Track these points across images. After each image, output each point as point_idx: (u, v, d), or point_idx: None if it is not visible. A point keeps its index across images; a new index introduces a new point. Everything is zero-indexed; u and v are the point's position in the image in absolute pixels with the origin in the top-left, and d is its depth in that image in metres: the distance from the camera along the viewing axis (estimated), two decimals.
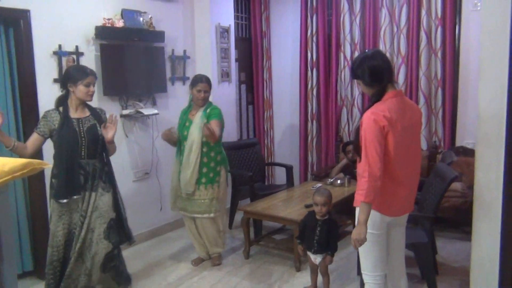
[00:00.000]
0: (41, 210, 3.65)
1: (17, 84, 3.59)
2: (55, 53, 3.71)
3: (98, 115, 3.18)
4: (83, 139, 3.04)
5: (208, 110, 3.72)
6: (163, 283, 3.67)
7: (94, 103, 3.65)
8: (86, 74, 3.06)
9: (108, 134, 3.09)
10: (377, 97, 2.39)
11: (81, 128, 3.06)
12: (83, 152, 3.05)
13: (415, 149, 2.51)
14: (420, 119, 2.55)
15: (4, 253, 1.37)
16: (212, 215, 3.76)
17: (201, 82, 3.70)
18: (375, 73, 2.37)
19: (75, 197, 3.03)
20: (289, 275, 3.76)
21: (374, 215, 2.38)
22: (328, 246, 3.25)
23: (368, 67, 2.38)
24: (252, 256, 4.15)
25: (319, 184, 4.75)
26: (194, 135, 3.65)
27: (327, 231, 3.24)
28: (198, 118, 3.69)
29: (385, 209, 2.42)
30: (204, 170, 3.70)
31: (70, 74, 3.07)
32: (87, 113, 3.15)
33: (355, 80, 2.70)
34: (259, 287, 3.57)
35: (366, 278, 2.55)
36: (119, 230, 3.24)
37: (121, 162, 4.18)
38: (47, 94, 3.61)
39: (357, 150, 2.41)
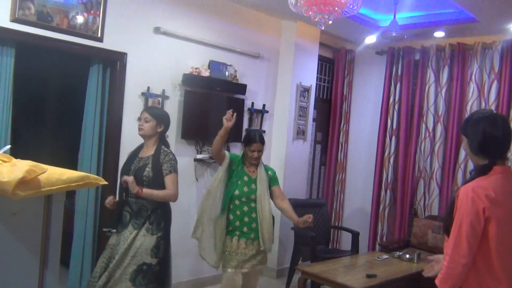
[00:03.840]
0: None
1: (106, 118, 3.89)
2: (143, 94, 3.98)
3: (157, 156, 3.01)
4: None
5: (269, 172, 3.60)
6: None
7: (171, 145, 3.81)
8: (142, 110, 3.23)
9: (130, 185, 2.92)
10: (481, 172, 2.00)
11: (135, 167, 3.03)
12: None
13: None
14: None
15: (49, 260, 1.43)
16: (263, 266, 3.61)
17: (255, 142, 3.46)
18: (487, 142, 1.99)
19: (113, 230, 3.02)
20: None
21: None
22: None
23: (483, 131, 1.99)
24: None
25: (385, 256, 4.48)
26: (264, 192, 3.49)
27: None
28: (262, 174, 3.52)
29: None
30: (253, 225, 3.49)
31: None
32: (151, 152, 3.04)
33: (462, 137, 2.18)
34: None
35: None
36: (157, 278, 2.98)
37: (188, 205, 4.26)
38: (130, 131, 3.84)
39: (447, 226, 2.03)
